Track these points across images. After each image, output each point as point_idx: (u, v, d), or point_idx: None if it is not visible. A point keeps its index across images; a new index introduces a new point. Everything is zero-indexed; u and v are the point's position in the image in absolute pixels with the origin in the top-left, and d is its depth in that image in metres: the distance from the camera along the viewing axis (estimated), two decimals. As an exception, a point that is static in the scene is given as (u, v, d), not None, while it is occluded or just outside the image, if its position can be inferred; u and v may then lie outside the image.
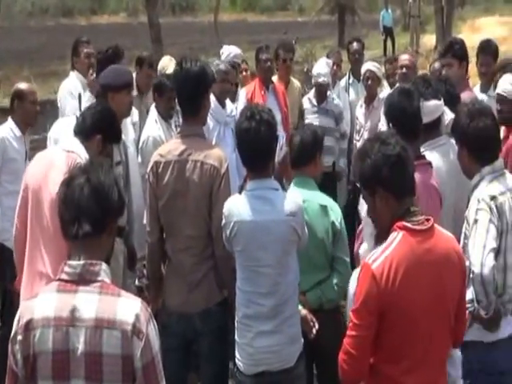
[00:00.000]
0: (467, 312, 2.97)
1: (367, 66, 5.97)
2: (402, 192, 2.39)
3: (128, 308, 1.97)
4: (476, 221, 2.98)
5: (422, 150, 3.39)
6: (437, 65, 5.26)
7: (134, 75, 4.92)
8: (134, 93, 4.55)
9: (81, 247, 2.00)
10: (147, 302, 2.45)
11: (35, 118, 4.54)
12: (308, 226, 3.13)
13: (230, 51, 5.81)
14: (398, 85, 4.97)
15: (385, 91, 5.67)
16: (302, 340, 3.05)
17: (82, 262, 1.97)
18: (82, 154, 3.25)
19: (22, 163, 4.28)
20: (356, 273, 2.68)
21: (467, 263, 2.94)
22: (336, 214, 3.35)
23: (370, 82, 5.80)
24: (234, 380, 3.37)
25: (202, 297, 3.32)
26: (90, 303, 1.95)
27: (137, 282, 4.29)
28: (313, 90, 5.98)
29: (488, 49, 5.34)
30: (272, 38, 6.32)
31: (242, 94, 5.64)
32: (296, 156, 3.43)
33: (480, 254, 2.90)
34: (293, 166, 3.49)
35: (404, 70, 5.44)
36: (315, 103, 5.87)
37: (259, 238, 2.94)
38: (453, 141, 3.47)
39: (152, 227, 3.43)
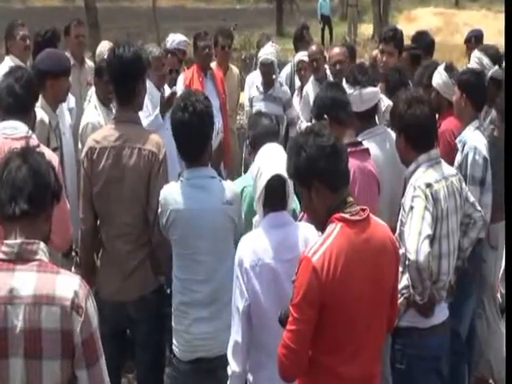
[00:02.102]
0: (402, 298, 3.02)
1: (299, 56, 5.95)
2: (338, 183, 2.35)
3: (67, 284, 1.98)
4: (412, 208, 3.00)
5: (360, 138, 3.41)
6: (375, 52, 5.28)
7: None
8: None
9: (18, 227, 1.99)
10: None
11: None
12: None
13: (174, 38, 5.90)
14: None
15: (309, 85, 5.62)
16: None
17: (18, 240, 1.97)
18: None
19: None
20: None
21: (403, 250, 3.01)
22: (296, 202, 3.30)
23: (303, 72, 5.81)
24: (170, 367, 3.32)
25: (136, 285, 3.27)
26: (28, 281, 1.96)
27: (73, 269, 4.21)
28: (261, 78, 5.91)
29: (421, 41, 5.49)
30: (210, 24, 6.30)
31: (180, 80, 5.56)
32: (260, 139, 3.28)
33: (415, 241, 2.93)
34: (255, 148, 3.35)
35: (338, 66, 5.21)
36: (262, 90, 5.82)
37: (195, 227, 2.91)
38: (390, 130, 3.50)
39: (86, 214, 3.38)
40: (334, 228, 2.30)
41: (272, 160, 2.75)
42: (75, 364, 1.99)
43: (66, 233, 3.28)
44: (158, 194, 3.09)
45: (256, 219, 2.85)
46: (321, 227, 2.39)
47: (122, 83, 3.29)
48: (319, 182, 2.32)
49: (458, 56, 12.85)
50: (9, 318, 1.94)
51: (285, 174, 2.64)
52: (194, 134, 2.95)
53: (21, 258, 1.97)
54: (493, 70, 4.21)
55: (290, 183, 2.70)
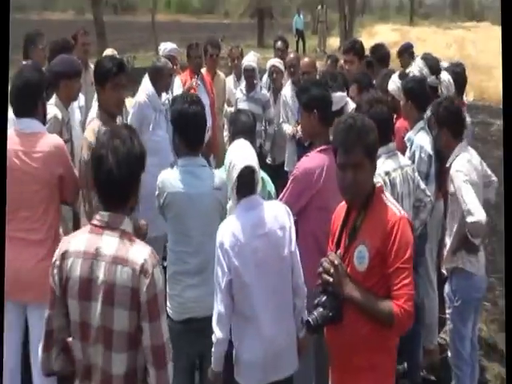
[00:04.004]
0: None
1: (272, 62, 5.91)
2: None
3: (139, 252, 2.08)
4: None
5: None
6: (341, 61, 5.34)
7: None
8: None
9: (111, 204, 2.13)
10: None
11: None
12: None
13: (166, 47, 5.90)
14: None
15: (287, 87, 5.60)
16: None
17: (108, 213, 2.10)
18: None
19: None
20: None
21: None
22: (270, 185, 3.35)
23: (275, 76, 5.79)
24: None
25: None
26: (110, 244, 2.08)
27: None
28: (244, 82, 5.88)
29: (378, 53, 5.58)
30: (201, 36, 6.27)
31: (177, 82, 5.60)
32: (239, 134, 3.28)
33: None
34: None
35: (305, 75, 5.29)
36: (245, 92, 5.79)
37: (188, 208, 2.91)
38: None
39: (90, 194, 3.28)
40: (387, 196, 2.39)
41: (241, 154, 2.73)
42: (140, 317, 2.07)
43: (74, 194, 3.32)
44: None
45: (230, 205, 2.87)
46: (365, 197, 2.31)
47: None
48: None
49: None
50: (93, 271, 2.07)
51: (253, 164, 2.65)
52: (203, 123, 2.98)
53: (109, 226, 2.09)
54: (430, 79, 4.26)
55: (257, 172, 2.70)
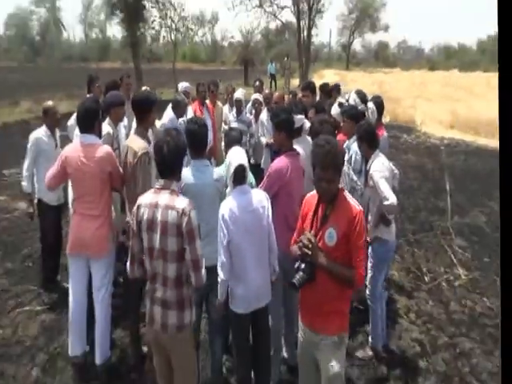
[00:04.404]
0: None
1: (255, 96, 5.88)
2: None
3: (181, 202, 2.28)
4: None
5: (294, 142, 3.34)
6: (300, 95, 5.30)
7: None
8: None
9: (165, 175, 2.35)
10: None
11: (57, 123, 4.18)
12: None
13: (182, 85, 5.89)
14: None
15: (264, 113, 5.58)
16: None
17: (164, 180, 2.34)
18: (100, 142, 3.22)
19: (51, 152, 4.02)
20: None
21: None
22: (252, 178, 3.26)
23: (256, 105, 5.74)
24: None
25: None
26: (164, 198, 2.29)
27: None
28: (235, 109, 5.83)
29: (324, 89, 5.49)
30: (206, 78, 6.19)
31: (190, 109, 5.53)
32: (230, 143, 3.18)
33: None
34: (228, 148, 3.27)
35: (276, 104, 5.31)
36: (235, 116, 5.76)
37: (199, 193, 2.85)
38: (309, 138, 3.49)
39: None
40: (347, 194, 2.29)
41: (237, 156, 2.72)
42: (183, 241, 2.25)
43: (121, 182, 3.23)
44: (139, 177, 3.03)
45: (228, 191, 2.83)
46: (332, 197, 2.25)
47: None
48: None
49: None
50: (155, 214, 2.27)
51: (245, 163, 2.66)
52: (201, 138, 2.92)
53: (164, 187, 2.33)
54: (360, 107, 4.26)
55: (247, 169, 2.70)
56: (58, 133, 4.20)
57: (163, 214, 2.24)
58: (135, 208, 2.35)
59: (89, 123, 3.13)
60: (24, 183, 4.07)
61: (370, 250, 3.40)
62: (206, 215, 2.86)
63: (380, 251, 3.36)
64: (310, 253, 2.20)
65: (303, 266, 2.25)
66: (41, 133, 4.07)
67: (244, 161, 2.69)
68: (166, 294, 2.31)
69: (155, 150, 2.37)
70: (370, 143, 3.28)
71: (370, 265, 3.39)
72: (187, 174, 2.92)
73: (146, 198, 2.34)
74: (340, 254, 2.20)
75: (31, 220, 4.36)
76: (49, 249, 4.31)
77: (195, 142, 2.91)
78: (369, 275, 3.40)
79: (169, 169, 2.35)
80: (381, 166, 3.25)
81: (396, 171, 3.61)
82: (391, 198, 3.08)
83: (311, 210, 2.35)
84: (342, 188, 2.28)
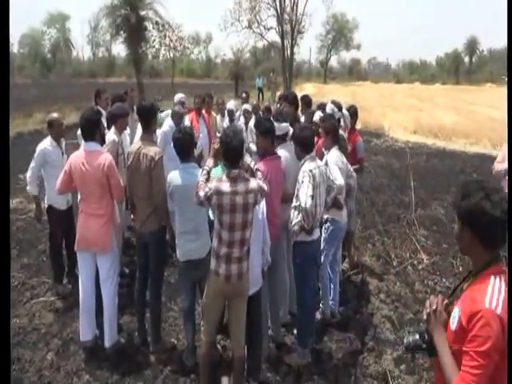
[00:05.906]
0: (297, 226, 2.99)
1: (245, 106, 5.87)
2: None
3: (255, 183, 2.47)
4: (302, 182, 2.99)
5: (278, 148, 3.30)
6: (283, 105, 5.25)
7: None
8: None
9: (234, 165, 2.45)
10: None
11: (62, 133, 3.93)
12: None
13: (179, 96, 5.82)
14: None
15: (253, 121, 5.54)
16: (210, 244, 2.80)
17: (237, 171, 2.44)
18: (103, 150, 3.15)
19: (58, 161, 3.82)
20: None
21: (297, 203, 2.97)
22: None
23: (246, 114, 5.72)
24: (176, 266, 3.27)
25: (149, 224, 3.11)
26: (243, 184, 2.43)
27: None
28: (227, 118, 5.81)
29: (304, 100, 5.35)
30: (201, 91, 6.11)
31: (186, 119, 5.43)
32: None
33: (304, 197, 2.93)
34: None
35: (265, 113, 5.31)
36: (228, 123, 5.73)
37: (185, 193, 2.78)
38: (292, 143, 3.47)
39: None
40: (500, 281, 1.39)
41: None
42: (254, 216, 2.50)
43: (120, 194, 3.17)
44: (158, 179, 2.97)
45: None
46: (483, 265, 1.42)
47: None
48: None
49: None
50: (237, 198, 2.39)
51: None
52: (184, 144, 2.86)
53: (238, 176, 2.44)
54: (338, 115, 4.25)
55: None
56: (63, 142, 4.03)
57: (244, 197, 2.40)
58: (213, 192, 2.38)
59: (90, 132, 3.07)
60: (29, 187, 3.89)
61: (323, 229, 3.54)
62: (193, 213, 2.80)
63: (331, 229, 3.53)
64: (428, 324, 1.49)
65: (423, 329, 1.54)
66: (46, 143, 3.85)
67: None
68: (242, 253, 2.50)
69: (222, 142, 2.46)
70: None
71: (322, 243, 3.48)
72: (175, 175, 2.85)
73: (223, 187, 2.40)
74: (459, 346, 1.39)
75: (38, 222, 4.24)
76: (56, 249, 4.16)
77: (182, 148, 2.85)
78: (321, 248, 3.45)
79: (237, 160, 2.46)
80: (336, 159, 3.43)
81: (354, 173, 3.84)
82: (339, 180, 3.27)
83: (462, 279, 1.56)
84: (497, 267, 1.41)
